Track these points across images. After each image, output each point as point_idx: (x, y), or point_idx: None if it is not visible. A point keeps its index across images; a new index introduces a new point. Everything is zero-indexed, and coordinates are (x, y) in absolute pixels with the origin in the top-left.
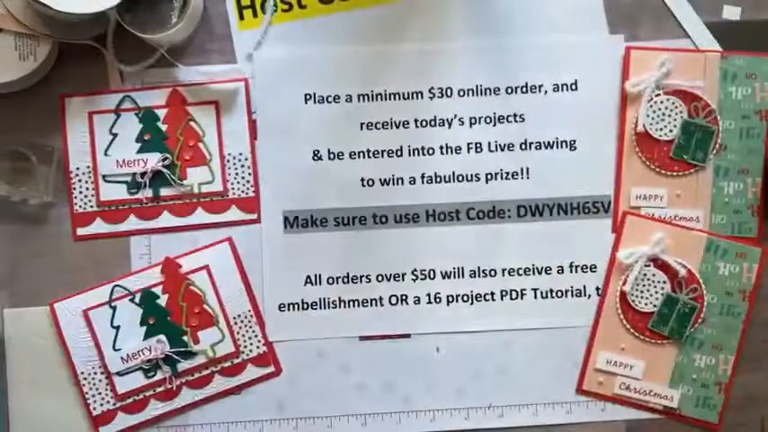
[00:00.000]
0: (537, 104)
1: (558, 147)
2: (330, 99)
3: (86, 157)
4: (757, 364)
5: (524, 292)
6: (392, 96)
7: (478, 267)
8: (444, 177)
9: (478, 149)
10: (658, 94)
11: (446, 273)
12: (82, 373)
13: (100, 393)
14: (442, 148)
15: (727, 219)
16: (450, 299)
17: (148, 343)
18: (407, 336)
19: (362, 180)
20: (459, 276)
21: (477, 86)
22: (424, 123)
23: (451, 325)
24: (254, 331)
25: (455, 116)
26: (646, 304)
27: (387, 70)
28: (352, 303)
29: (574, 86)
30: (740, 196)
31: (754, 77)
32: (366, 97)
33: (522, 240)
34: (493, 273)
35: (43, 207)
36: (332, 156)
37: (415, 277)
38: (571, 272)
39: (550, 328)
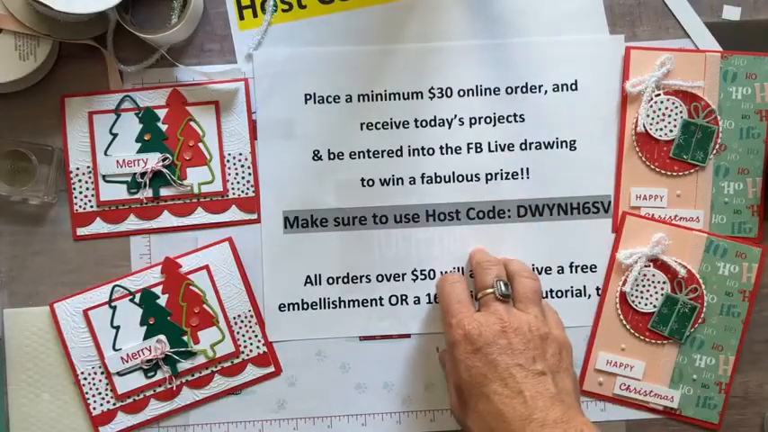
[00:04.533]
0: (537, 104)
1: (558, 147)
2: (330, 99)
3: (86, 157)
4: (757, 364)
5: None
6: (392, 96)
7: None
8: (444, 177)
9: (478, 149)
10: (658, 94)
11: (446, 273)
12: (82, 373)
13: (100, 393)
14: (441, 148)
15: (727, 219)
16: None
17: (148, 343)
18: (407, 336)
19: (362, 180)
20: None
21: (477, 86)
22: (424, 123)
23: None
24: (254, 331)
25: (455, 116)
26: (646, 305)
27: (387, 70)
28: (352, 303)
29: (574, 86)
30: (740, 196)
31: (754, 77)
32: (366, 97)
33: (522, 240)
34: None
35: (43, 207)
36: (332, 156)
37: (414, 277)
38: (571, 272)
39: None
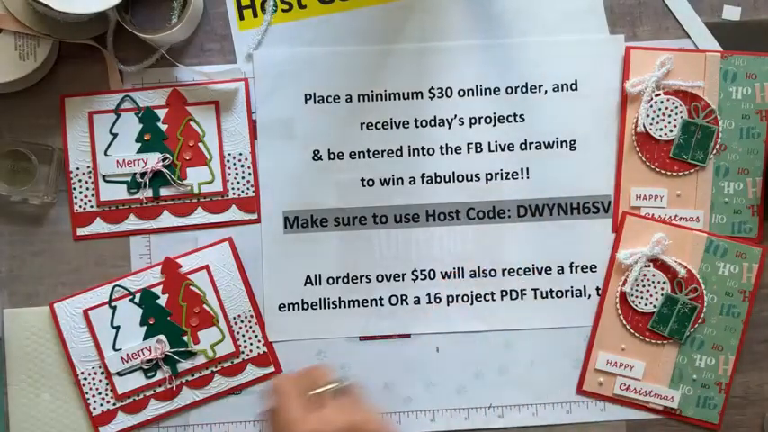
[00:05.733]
0: (537, 104)
1: (558, 147)
2: (330, 99)
3: (86, 157)
4: (757, 364)
5: (524, 292)
6: (392, 96)
7: (478, 267)
8: (444, 177)
9: (478, 149)
10: (658, 94)
11: (446, 273)
12: (82, 373)
13: (100, 393)
14: (442, 148)
15: (727, 219)
16: (450, 299)
17: (148, 343)
18: (407, 336)
19: (362, 180)
20: (459, 276)
21: (477, 86)
22: (424, 123)
23: (451, 325)
24: (254, 331)
25: (455, 116)
26: (646, 305)
27: (387, 70)
28: (352, 303)
29: (574, 86)
30: (740, 196)
31: (754, 77)
32: (366, 97)
33: (522, 240)
34: (493, 273)
35: (43, 207)
36: (332, 156)
37: (415, 277)
38: (571, 272)
39: (550, 328)
